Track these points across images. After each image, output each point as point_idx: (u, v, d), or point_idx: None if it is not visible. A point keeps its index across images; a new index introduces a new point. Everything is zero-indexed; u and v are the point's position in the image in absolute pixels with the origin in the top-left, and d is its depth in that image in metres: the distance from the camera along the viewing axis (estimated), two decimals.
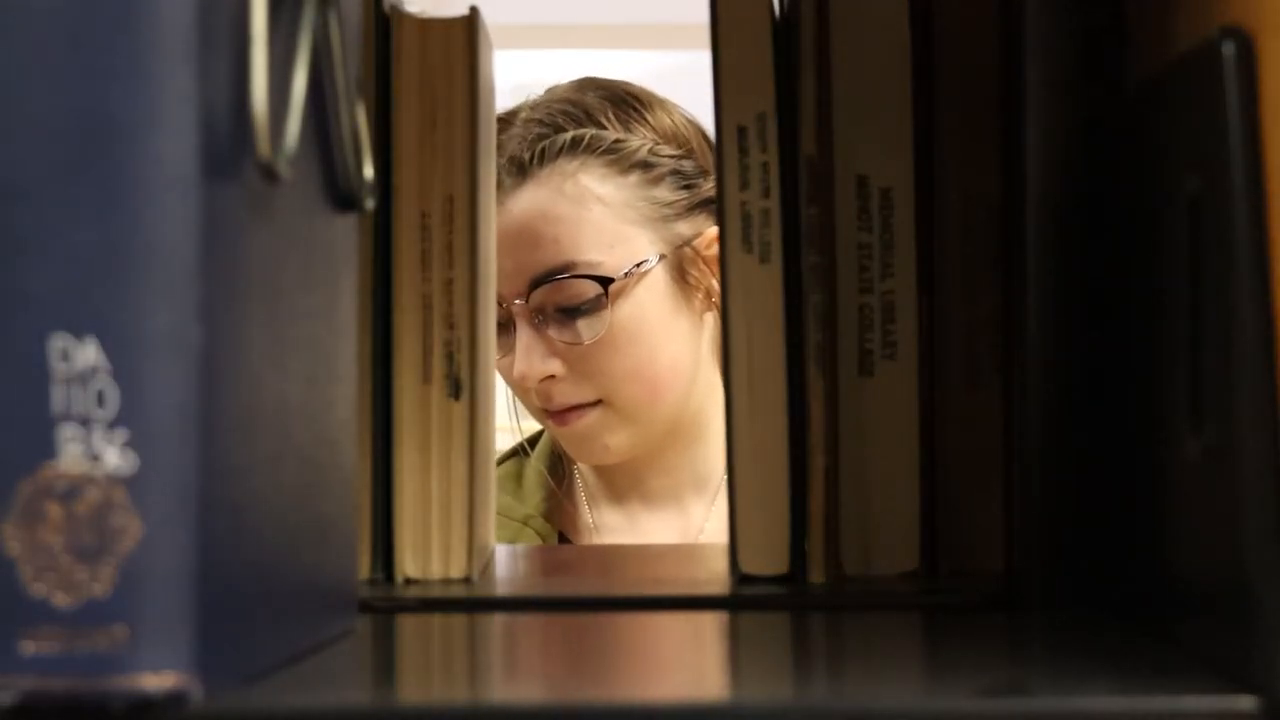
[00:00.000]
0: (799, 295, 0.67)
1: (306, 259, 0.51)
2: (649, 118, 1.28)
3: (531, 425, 1.39)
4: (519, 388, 1.26)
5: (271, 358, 0.47)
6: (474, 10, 0.70)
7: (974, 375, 0.67)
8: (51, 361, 0.42)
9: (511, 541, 1.30)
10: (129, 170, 0.42)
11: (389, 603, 0.64)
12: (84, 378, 0.42)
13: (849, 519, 0.67)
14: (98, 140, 0.42)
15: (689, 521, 1.31)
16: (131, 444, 0.42)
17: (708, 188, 1.26)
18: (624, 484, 1.34)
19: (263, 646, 0.47)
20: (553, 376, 1.23)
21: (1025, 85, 0.59)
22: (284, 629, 0.49)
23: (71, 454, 0.42)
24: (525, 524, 1.32)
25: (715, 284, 1.22)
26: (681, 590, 0.68)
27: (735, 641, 0.58)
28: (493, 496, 0.77)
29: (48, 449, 0.42)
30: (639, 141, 1.25)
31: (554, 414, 1.26)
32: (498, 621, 0.61)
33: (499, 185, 1.22)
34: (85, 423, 0.42)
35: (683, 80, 1.54)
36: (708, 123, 1.17)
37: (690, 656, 0.56)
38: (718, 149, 0.68)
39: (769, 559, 0.67)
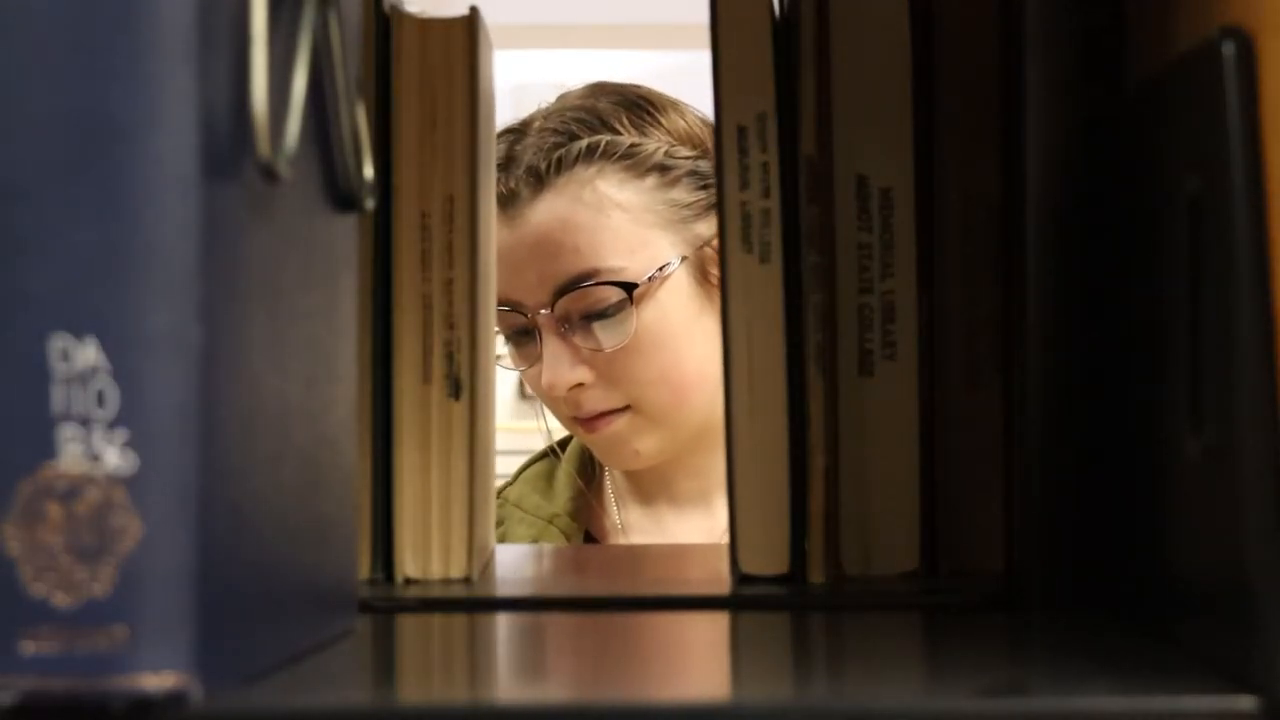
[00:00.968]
0: (799, 295, 0.67)
1: (306, 259, 0.51)
2: (663, 120, 1.27)
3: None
4: (548, 397, 1.26)
5: (271, 358, 0.47)
6: (474, 10, 0.70)
7: (974, 375, 0.67)
8: (51, 361, 0.42)
9: (536, 539, 1.30)
10: (129, 170, 0.42)
11: (389, 603, 0.64)
12: (84, 378, 0.42)
13: (849, 519, 0.67)
14: (98, 140, 0.42)
15: (715, 523, 1.31)
16: (131, 444, 0.42)
17: None
18: (653, 486, 1.34)
19: (263, 646, 0.47)
20: (581, 384, 1.23)
21: (1025, 85, 0.59)
22: (284, 629, 0.49)
23: (71, 454, 0.42)
24: (550, 522, 1.32)
25: None
26: (682, 590, 0.68)
27: (735, 641, 0.58)
28: (493, 496, 0.77)
29: (48, 449, 0.42)
30: (654, 145, 1.25)
31: (584, 421, 1.26)
32: (498, 622, 0.61)
33: (517, 196, 1.22)
34: (85, 423, 0.42)
35: (683, 80, 1.54)
36: None
37: (690, 656, 0.56)
38: (717, 149, 0.68)
39: (769, 559, 0.67)
